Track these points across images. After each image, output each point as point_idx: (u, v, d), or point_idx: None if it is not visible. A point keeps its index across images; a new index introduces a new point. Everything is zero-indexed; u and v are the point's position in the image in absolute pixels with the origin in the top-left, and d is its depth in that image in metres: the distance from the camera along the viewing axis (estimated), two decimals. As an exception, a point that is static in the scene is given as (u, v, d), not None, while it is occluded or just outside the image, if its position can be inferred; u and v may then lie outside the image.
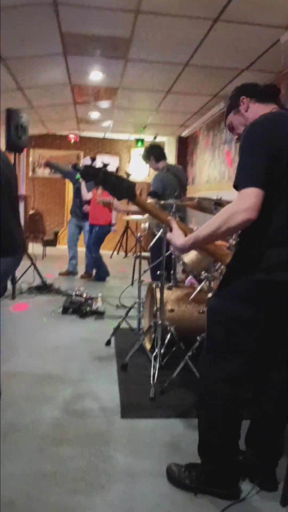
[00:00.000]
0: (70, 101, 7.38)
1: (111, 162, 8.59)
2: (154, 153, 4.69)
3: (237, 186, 1.63)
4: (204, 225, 1.70)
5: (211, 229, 1.66)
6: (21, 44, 4.87)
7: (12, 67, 5.52)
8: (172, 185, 4.44)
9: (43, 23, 4.35)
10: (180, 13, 4.01)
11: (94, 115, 8.45)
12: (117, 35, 4.59)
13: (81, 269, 7.00)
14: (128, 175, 6.66)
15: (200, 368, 2.09)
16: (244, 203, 1.57)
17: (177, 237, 1.89)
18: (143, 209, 2.02)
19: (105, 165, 1.97)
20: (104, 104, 7.51)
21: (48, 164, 7.53)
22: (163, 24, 4.28)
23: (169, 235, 1.94)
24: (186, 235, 1.85)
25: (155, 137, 10.41)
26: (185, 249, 1.84)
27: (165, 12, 4.03)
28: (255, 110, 1.87)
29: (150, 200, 4.37)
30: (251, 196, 1.57)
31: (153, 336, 3.32)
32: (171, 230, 1.96)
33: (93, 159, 6.71)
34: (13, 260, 2.56)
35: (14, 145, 5.18)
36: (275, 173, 1.61)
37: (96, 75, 5.94)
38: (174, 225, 1.96)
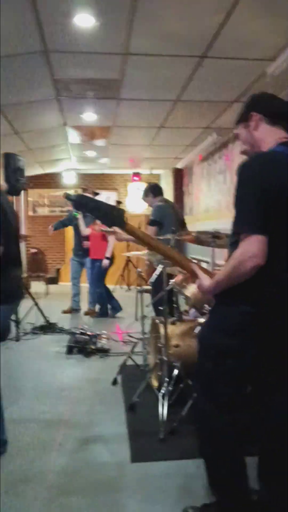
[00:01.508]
0: (65, 142, 7.53)
1: (110, 197, 8.79)
2: (153, 190, 4.88)
3: (239, 232, 1.66)
4: (220, 272, 1.74)
5: (225, 276, 1.69)
6: (16, 91, 5.01)
7: (8, 113, 5.66)
8: (170, 216, 4.50)
9: (35, 70, 4.49)
10: (167, 52, 4.13)
11: (90, 153, 8.60)
12: (108, 77, 4.72)
13: (85, 305, 6.98)
14: (119, 203, 6.73)
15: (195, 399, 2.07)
16: (249, 251, 1.60)
17: (203, 280, 1.83)
18: (134, 236, 2.02)
19: (95, 194, 1.99)
20: (99, 142, 7.66)
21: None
22: (152, 64, 4.41)
23: (197, 282, 1.89)
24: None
25: (151, 171, 10.57)
26: (211, 293, 1.82)
27: (153, 53, 4.16)
28: (264, 132, 1.85)
29: (150, 230, 4.41)
30: (256, 243, 1.60)
31: (159, 373, 3.27)
32: (193, 275, 1.92)
33: (96, 194, 6.81)
34: (9, 307, 2.56)
35: (13, 188, 5.25)
36: (268, 213, 1.63)
37: (89, 116, 6.08)
38: (195, 267, 1.90)
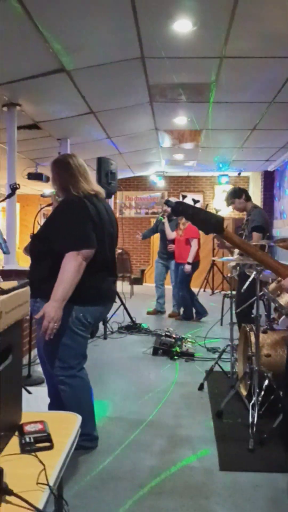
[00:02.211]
0: (155, 146, 7.64)
1: (197, 199, 8.74)
2: (246, 193, 4.77)
3: None
4: None
5: None
6: (111, 98, 5.17)
7: (101, 118, 5.86)
8: (268, 223, 4.42)
9: (131, 76, 4.60)
10: (264, 54, 4.05)
11: (178, 156, 8.65)
12: (202, 80, 4.71)
13: (169, 307, 7.04)
14: (217, 210, 6.68)
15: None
16: None
17: None
18: (231, 243, 2.00)
19: (195, 202, 2.00)
20: (188, 145, 7.67)
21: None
22: (247, 67, 4.33)
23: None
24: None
25: (239, 173, 10.39)
26: None
27: (249, 55, 4.09)
28: None
29: (257, 236, 4.31)
30: None
31: (249, 382, 3.21)
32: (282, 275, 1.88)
33: (184, 197, 6.86)
34: (100, 308, 2.64)
35: (105, 191, 5.42)
36: None
37: (180, 120, 6.11)
38: None
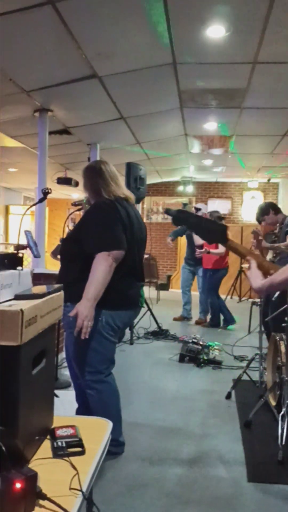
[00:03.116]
0: (185, 151, 7.63)
1: (223, 206, 8.61)
2: (274, 206, 4.71)
3: None
4: (280, 270, 1.76)
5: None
6: (142, 103, 5.19)
7: (131, 123, 5.89)
8: None
9: (162, 82, 4.61)
10: (298, 59, 3.99)
11: (207, 162, 8.61)
12: (233, 86, 4.69)
13: (195, 314, 6.99)
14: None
15: None
16: None
17: (253, 278, 1.88)
18: (235, 252, 1.98)
19: (197, 210, 1.99)
20: (217, 151, 7.63)
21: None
22: (279, 72, 4.29)
23: (248, 274, 1.91)
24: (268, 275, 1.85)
25: (268, 180, 10.27)
26: (261, 292, 1.88)
27: (282, 60, 4.05)
28: None
29: None
30: None
31: (278, 392, 3.14)
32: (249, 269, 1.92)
33: (198, 209, 6.76)
34: (129, 313, 2.64)
35: (134, 197, 5.44)
36: None
37: (210, 125, 6.09)
38: (253, 265, 1.91)
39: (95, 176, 2.60)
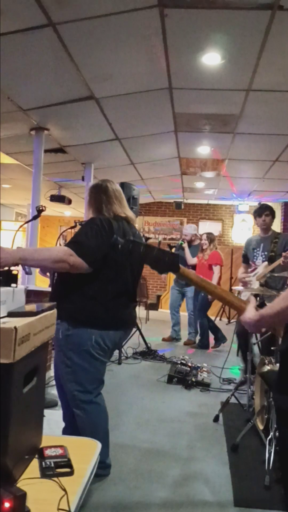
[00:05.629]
0: (177, 173, 7.72)
1: (214, 228, 8.54)
2: (274, 215, 4.69)
3: None
4: (269, 304, 1.69)
5: (277, 309, 1.62)
6: (135, 125, 5.28)
7: (125, 145, 5.96)
8: None
9: (157, 106, 4.70)
10: (290, 88, 4.10)
11: (199, 184, 8.71)
12: (227, 112, 4.79)
13: (184, 335, 6.98)
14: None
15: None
16: None
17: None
18: (189, 281, 1.98)
19: (146, 239, 2.00)
20: (209, 174, 7.74)
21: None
22: (273, 100, 4.39)
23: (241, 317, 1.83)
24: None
25: (259, 204, 10.38)
26: (252, 327, 1.75)
27: (275, 89, 4.15)
28: None
29: None
30: None
31: (266, 416, 3.14)
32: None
33: (181, 244, 6.74)
34: (119, 333, 2.62)
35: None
36: None
37: (203, 149, 6.18)
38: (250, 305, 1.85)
39: (99, 193, 2.62)
